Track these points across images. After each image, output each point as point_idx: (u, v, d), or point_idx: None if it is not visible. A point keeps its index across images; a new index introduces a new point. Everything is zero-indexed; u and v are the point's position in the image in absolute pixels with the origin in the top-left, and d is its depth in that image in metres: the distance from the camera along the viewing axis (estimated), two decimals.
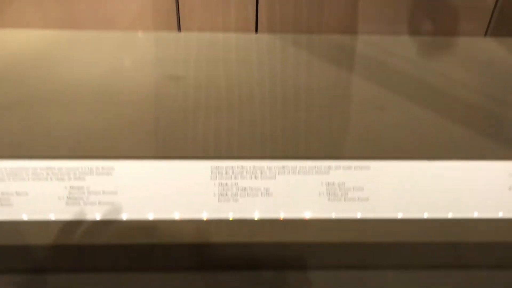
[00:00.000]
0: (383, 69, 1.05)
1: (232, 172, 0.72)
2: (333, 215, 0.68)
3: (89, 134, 0.78)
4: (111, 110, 0.84)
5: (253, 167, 0.73)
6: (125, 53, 1.03)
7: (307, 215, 0.68)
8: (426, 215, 0.68)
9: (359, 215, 0.69)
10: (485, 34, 1.22)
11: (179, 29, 1.15)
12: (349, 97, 0.90)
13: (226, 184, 0.70)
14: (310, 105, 0.86)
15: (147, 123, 0.81)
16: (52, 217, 0.66)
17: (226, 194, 0.69)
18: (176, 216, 0.66)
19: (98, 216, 0.66)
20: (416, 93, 0.98)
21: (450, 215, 0.68)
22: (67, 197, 0.68)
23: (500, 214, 0.71)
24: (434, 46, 1.17)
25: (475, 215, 0.69)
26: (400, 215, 0.68)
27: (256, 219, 0.67)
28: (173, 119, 0.84)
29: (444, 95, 0.99)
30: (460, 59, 1.13)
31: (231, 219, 0.67)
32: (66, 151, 0.72)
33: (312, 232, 0.64)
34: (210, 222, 0.66)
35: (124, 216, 0.66)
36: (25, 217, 0.66)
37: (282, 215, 0.68)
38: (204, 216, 0.67)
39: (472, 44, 1.21)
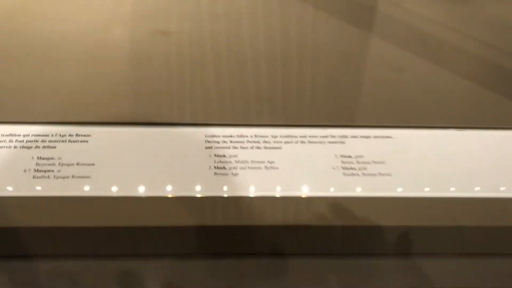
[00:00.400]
0: (402, 28, 0.93)
1: (231, 142, 0.61)
2: (350, 193, 0.58)
3: (63, 95, 0.67)
4: (89, 69, 0.73)
5: (255, 135, 0.62)
6: (109, 5, 0.90)
7: (318, 192, 0.58)
8: (457, 193, 0.58)
9: (380, 194, 0.58)
10: None
11: None
12: (365, 57, 0.78)
13: (224, 155, 0.60)
14: (321, 65, 0.75)
15: (131, 84, 0.70)
16: (15, 193, 0.55)
17: (224, 168, 0.59)
18: (166, 192, 0.56)
19: (72, 193, 0.56)
20: (439, 53, 0.86)
21: (490, 194, 0.58)
22: (35, 170, 0.57)
23: None
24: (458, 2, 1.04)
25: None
26: (427, 193, 0.58)
27: (257, 196, 0.57)
28: (163, 80, 0.72)
29: (471, 56, 0.87)
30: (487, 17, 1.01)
31: (227, 196, 0.57)
32: (35, 116, 0.61)
33: (323, 213, 0.55)
34: (204, 200, 0.56)
35: (103, 193, 0.56)
36: None
37: (288, 192, 0.57)
38: (198, 192, 0.56)
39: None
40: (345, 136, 0.62)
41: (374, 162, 0.61)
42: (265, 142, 0.61)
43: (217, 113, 0.63)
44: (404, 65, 0.80)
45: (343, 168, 0.60)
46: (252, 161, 0.59)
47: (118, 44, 0.78)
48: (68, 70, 0.71)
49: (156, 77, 0.72)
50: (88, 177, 0.57)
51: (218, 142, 0.61)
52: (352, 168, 0.60)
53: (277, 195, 0.58)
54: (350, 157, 0.61)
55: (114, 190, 0.56)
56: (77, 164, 0.58)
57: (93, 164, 0.58)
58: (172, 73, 0.74)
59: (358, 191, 0.58)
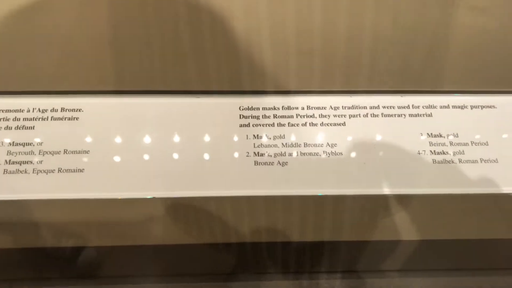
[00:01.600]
0: None
1: (275, 116, 0.44)
2: (442, 189, 0.41)
3: (45, 53, 0.49)
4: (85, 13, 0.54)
5: (308, 107, 0.44)
6: None
7: (403, 189, 0.41)
8: None
9: (484, 189, 0.42)
10: None
11: None
12: None
13: (266, 135, 0.43)
14: (387, 7, 0.55)
15: (136, 41, 0.51)
16: None
17: (266, 154, 0.42)
18: (186, 192, 0.40)
19: (59, 193, 0.40)
20: None
21: None
22: (6, 161, 0.41)
23: None
24: None
25: None
26: None
27: (313, 195, 0.41)
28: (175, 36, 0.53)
29: None
30: None
31: (268, 195, 0.41)
32: (4, 84, 0.44)
33: (407, 220, 0.39)
34: (241, 199, 0.40)
35: (102, 193, 0.40)
36: None
37: (359, 190, 0.41)
38: (231, 190, 0.41)
39: None
40: (433, 106, 0.45)
41: (475, 143, 0.44)
42: (322, 116, 0.44)
43: (253, 75, 0.45)
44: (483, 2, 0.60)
45: (432, 152, 0.43)
46: (306, 144, 0.43)
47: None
48: (56, 15, 0.52)
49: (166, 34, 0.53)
50: (81, 170, 0.41)
51: (257, 117, 0.44)
52: (444, 153, 0.43)
53: (341, 193, 0.42)
54: (441, 136, 0.44)
55: (115, 189, 0.41)
56: (65, 152, 0.41)
57: (87, 152, 0.42)
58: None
59: (455, 186, 0.42)
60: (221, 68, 0.45)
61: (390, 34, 0.50)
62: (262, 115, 0.44)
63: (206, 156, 0.42)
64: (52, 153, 0.41)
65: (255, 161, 0.42)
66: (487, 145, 0.44)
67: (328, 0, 0.50)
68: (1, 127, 0.42)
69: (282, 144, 0.43)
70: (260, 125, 0.43)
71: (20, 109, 0.43)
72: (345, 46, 0.47)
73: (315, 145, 0.43)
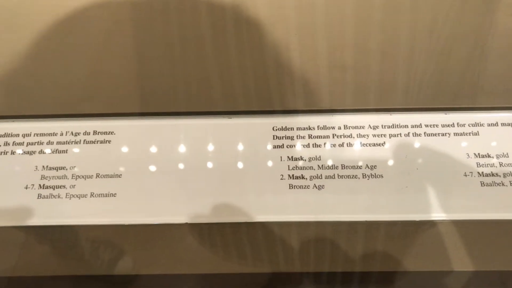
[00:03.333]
0: None
1: (310, 136, 0.42)
2: (490, 215, 0.38)
3: (76, 78, 0.48)
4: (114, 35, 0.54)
5: (345, 126, 0.42)
6: None
7: (445, 215, 0.39)
8: None
9: None
10: None
11: None
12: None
13: (301, 157, 0.41)
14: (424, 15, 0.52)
15: (164, 61, 0.50)
16: (15, 222, 0.39)
17: (302, 177, 0.41)
18: (218, 218, 0.39)
19: (91, 219, 0.40)
20: None
21: None
22: (40, 186, 0.41)
23: None
24: None
25: None
26: None
27: (359, 221, 0.39)
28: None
29: None
30: None
31: (305, 221, 0.39)
32: (37, 108, 0.44)
33: (453, 251, 0.37)
34: (278, 225, 0.39)
35: (137, 218, 0.40)
36: None
37: (398, 215, 0.39)
38: (265, 215, 0.39)
39: None
40: (479, 124, 0.42)
41: None
42: (360, 136, 0.42)
43: (288, 95, 0.44)
44: None
45: (480, 174, 0.40)
46: (344, 166, 0.41)
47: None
48: (85, 39, 0.52)
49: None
50: (113, 195, 0.40)
51: (292, 138, 0.42)
52: (493, 174, 0.40)
53: (380, 219, 0.39)
54: (489, 156, 0.41)
55: (150, 215, 0.40)
56: (98, 176, 0.41)
57: (119, 176, 0.41)
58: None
59: (506, 211, 0.39)
60: (252, 87, 0.44)
61: (426, 45, 0.47)
62: (297, 136, 0.42)
63: (239, 180, 0.41)
64: (84, 177, 0.41)
65: (290, 184, 0.40)
66: None
67: (362, 13, 0.48)
68: (36, 151, 0.42)
69: (318, 166, 0.41)
70: (294, 146, 0.42)
71: (54, 133, 0.43)
72: (379, 60, 0.45)
73: (353, 167, 0.41)
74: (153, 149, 0.42)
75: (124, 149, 0.42)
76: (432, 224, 0.39)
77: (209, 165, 0.41)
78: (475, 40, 0.47)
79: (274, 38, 0.46)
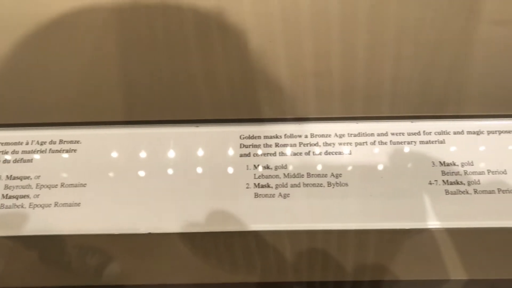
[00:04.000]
0: None
1: (277, 145, 0.42)
2: (456, 223, 0.39)
3: (45, 88, 0.48)
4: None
5: (312, 134, 0.42)
6: None
7: (411, 223, 0.39)
8: None
9: (502, 222, 0.39)
10: None
11: None
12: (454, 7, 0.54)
13: (267, 166, 0.41)
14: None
15: (135, 73, 0.50)
16: None
17: (268, 186, 0.40)
18: (182, 228, 0.39)
19: (54, 230, 0.40)
20: None
21: None
22: (3, 196, 0.40)
23: None
24: None
25: None
26: None
27: (320, 230, 0.39)
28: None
29: None
30: None
31: (273, 230, 0.39)
32: (7, 117, 0.44)
33: (415, 258, 0.37)
34: (237, 235, 0.39)
35: (99, 228, 0.39)
36: None
37: (363, 224, 0.39)
38: (230, 225, 0.39)
39: None
40: (446, 133, 0.42)
41: (492, 172, 0.41)
42: (326, 144, 0.42)
43: (252, 103, 0.44)
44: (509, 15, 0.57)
45: (445, 182, 0.40)
46: (310, 175, 0.41)
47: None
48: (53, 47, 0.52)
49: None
50: (77, 204, 0.40)
51: (258, 146, 0.42)
52: (458, 183, 0.40)
53: (346, 227, 0.39)
54: (455, 164, 0.41)
55: (114, 225, 0.39)
56: (62, 185, 0.41)
57: (84, 185, 0.41)
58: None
59: (470, 219, 0.39)
60: (219, 96, 0.44)
61: (405, 57, 0.47)
62: (264, 144, 0.42)
63: (204, 189, 0.40)
64: (48, 186, 0.41)
65: (255, 193, 0.40)
66: (506, 173, 0.41)
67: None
68: (0, 161, 0.42)
69: (284, 174, 0.41)
70: (261, 155, 0.42)
71: (19, 142, 0.42)
72: (345, 67, 0.45)
73: (318, 176, 0.41)
74: (118, 158, 0.41)
75: (89, 158, 0.42)
76: (395, 232, 0.39)
77: (173, 173, 0.41)
78: (457, 48, 0.47)
79: (243, 47, 0.46)
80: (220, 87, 0.45)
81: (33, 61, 0.46)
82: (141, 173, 0.41)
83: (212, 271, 0.38)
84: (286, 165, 0.41)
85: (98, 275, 0.38)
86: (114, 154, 0.42)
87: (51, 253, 0.39)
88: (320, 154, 0.42)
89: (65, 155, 0.42)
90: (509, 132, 0.42)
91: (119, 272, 0.38)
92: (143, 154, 0.42)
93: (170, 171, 0.41)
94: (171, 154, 0.42)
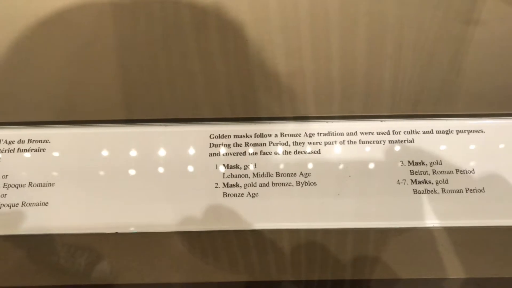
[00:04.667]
0: None
1: (247, 144, 0.42)
2: (422, 222, 0.39)
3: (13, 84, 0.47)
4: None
5: (281, 134, 0.42)
6: None
7: (379, 222, 0.39)
8: None
9: (469, 221, 0.39)
10: None
11: None
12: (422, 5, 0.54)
13: (236, 165, 0.41)
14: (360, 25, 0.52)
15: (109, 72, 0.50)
16: None
17: (237, 185, 0.40)
18: (152, 227, 0.39)
19: (22, 230, 0.39)
20: None
21: None
22: None
23: None
24: None
25: None
26: None
27: (286, 229, 0.39)
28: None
29: None
30: None
31: (241, 229, 0.39)
32: None
33: (387, 256, 0.37)
34: (207, 236, 0.38)
35: (68, 229, 0.39)
36: None
37: (331, 223, 0.39)
38: (199, 224, 0.39)
39: None
40: (415, 132, 0.42)
41: (460, 171, 0.41)
42: (296, 144, 0.42)
43: (223, 103, 0.44)
44: (478, 14, 0.57)
45: (413, 181, 0.40)
46: (279, 174, 0.41)
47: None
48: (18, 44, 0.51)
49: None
50: (45, 204, 0.40)
51: (228, 146, 0.42)
52: (426, 182, 0.40)
53: (312, 226, 0.39)
54: (423, 164, 0.41)
55: (80, 225, 0.39)
56: (30, 185, 0.41)
57: (52, 185, 0.41)
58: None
59: (436, 218, 0.39)
60: (190, 95, 0.44)
61: (378, 55, 0.47)
62: (234, 143, 0.42)
63: (173, 188, 0.40)
64: (16, 186, 0.40)
65: (224, 193, 0.40)
66: (473, 173, 0.41)
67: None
68: None
69: (253, 174, 0.41)
70: (230, 154, 0.42)
71: None
72: (318, 66, 0.45)
73: (287, 175, 0.41)
74: (87, 157, 0.41)
75: (58, 157, 0.41)
76: (365, 231, 0.39)
77: (140, 172, 0.41)
78: (454, 53, 0.47)
79: (222, 45, 0.46)
80: (188, 87, 0.45)
81: (20, 58, 0.46)
82: (106, 172, 0.41)
83: (183, 268, 0.38)
84: (255, 165, 0.41)
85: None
86: (84, 153, 0.41)
87: (14, 252, 0.39)
88: (289, 153, 0.42)
89: (34, 154, 0.41)
90: (477, 131, 0.42)
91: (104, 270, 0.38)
92: (108, 153, 0.41)
93: (137, 170, 0.41)
94: (138, 152, 0.41)
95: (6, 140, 0.42)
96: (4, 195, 0.40)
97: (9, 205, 0.40)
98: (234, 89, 0.44)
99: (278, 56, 0.46)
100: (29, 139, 0.42)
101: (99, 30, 0.47)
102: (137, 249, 0.38)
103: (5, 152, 0.42)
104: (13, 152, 0.42)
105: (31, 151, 0.42)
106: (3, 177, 0.41)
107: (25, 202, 0.40)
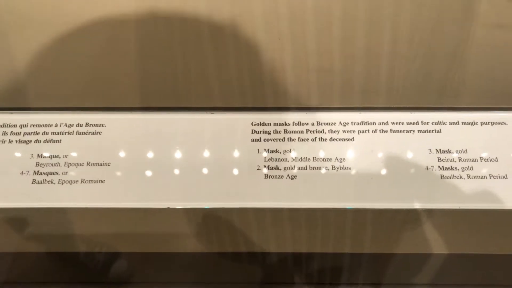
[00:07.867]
0: None
1: (286, 131, 0.46)
2: (449, 204, 0.42)
3: (71, 74, 0.52)
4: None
5: (318, 122, 0.46)
6: None
7: (402, 204, 0.42)
8: None
9: (492, 205, 0.42)
10: None
11: None
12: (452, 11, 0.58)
13: (276, 150, 0.45)
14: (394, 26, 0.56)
15: (156, 59, 0.54)
16: (9, 203, 0.43)
17: (277, 168, 0.44)
18: (200, 203, 0.42)
19: (81, 203, 0.43)
20: None
21: None
22: (34, 172, 0.44)
23: None
24: None
25: None
26: None
27: (326, 208, 0.43)
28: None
29: None
30: None
31: (279, 207, 0.43)
32: (33, 101, 0.48)
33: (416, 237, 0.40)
34: (252, 213, 0.42)
35: (121, 203, 0.43)
36: None
37: (352, 203, 0.42)
38: (242, 202, 0.42)
39: None
40: (442, 123, 0.46)
41: (484, 159, 0.44)
42: (331, 131, 0.46)
43: (264, 93, 0.47)
44: (507, 19, 0.60)
45: (441, 168, 0.44)
46: (315, 159, 0.44)
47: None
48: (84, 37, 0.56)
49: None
50: (102, 181, 0.44)
51: (269, 132, 0.46)
52: (452, 168, 0.44)
53: (345, 206, 0.43)
54: (450, 152, 0.44)
55: (135, 200, 0.43)
56: (88, 164, 0.44)
57: (108, 164, 0.44)
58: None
59: (462, 202, 0.43)
60: (234, 85, 0.48)
61: (406, 51, 0.51)
62: (273, 130, 0.46)
63: (220, 170, 0.44)
64: (76, 165, 0.44)
65: (265, 174, 0.44)
66: (497, 161, 0.44)
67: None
68: (31, 141, 0.45)
69: (292, 158, 0.44)
70: (271, 140, 0.45)
71: (48, 124, 0.46)
72: (343, 63, 0.49)
73: (323, 160, 0.44)
74: (140, 141, 0.45)
75: (113, 139, 0.45)
76: (395, 212, 0.42)
77: (188, 155, 0.44)
78: (454, 48, 0.50)
79: (257, 42, 0.50)
80: (233, 79, 0.48)
81: (68, 56, 0.50)
82: (155, 154, 0.44)
83: (223, 241, 0.41)
84: (293, 150, 0.45)
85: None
86: (138, 137, 0.45)
87: (75, 223, 0.43)
88: (325, 140, 0.45)
89: (91, 137, 0.45)
90: (500, 123, 0.45)
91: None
92: (157, 137, 0.45)
93: (184, 153, 0.45)
94: (186, 137, 0.45)
95: (66, 124, 0.46)
96: (65, 173, 0.44)
97: (70, 182, 0.44)
98: (275, 82, 0.48)
99: (312, 54, 0.50)
100: (86, 123, 0.46)
101: (150, 27, 0.51)
102: (191, 222, 0.42)
103: (65, 134, 0.46)
104: (72, 134, 0.46)
105: (89, 134, 0.46)
106: (64, 156, 0.45)
107: (84, 179, 0.44)
